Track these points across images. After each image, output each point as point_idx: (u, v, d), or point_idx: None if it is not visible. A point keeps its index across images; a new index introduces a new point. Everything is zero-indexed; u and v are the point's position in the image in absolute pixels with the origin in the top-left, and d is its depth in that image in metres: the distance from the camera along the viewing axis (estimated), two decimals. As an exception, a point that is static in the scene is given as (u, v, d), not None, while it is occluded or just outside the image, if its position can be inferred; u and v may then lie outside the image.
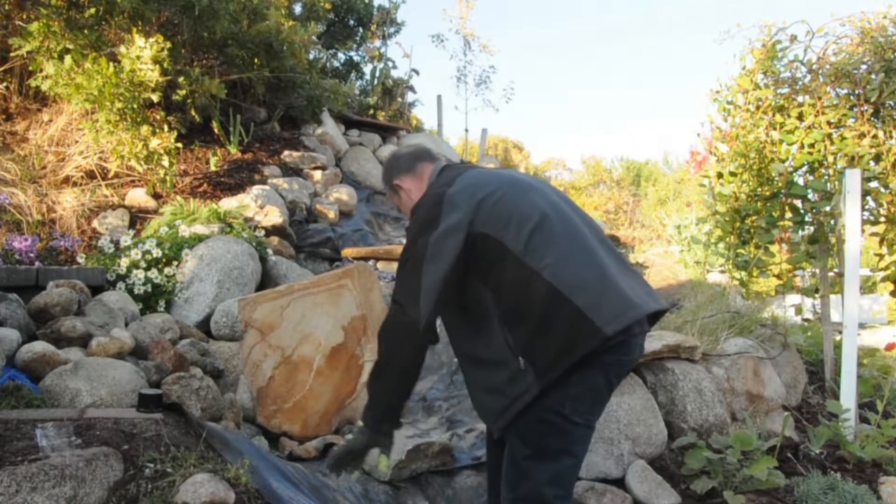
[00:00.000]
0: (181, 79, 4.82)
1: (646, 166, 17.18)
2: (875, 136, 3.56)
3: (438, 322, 1.81)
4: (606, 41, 48.23)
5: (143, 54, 4.28)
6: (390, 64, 8.57)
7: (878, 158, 3.57)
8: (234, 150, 5.45)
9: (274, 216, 4.50)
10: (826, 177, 3.68)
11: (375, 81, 8.38)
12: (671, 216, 7.63)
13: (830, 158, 3.63)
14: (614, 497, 2.60)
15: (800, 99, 3.85)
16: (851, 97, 3.70)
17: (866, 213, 3.76)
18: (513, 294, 1.73)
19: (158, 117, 4.74)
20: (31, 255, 3.51)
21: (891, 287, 3.80)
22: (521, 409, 1.74)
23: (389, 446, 1.91)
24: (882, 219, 3.75)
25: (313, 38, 6.17)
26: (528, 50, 45.40)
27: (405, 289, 1.78)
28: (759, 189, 3.95)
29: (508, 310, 1.74)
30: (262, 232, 4.26)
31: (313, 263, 4.73)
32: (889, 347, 3.99)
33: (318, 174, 5.71)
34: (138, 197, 4.60)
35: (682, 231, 6.75)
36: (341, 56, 8.52)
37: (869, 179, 3.60)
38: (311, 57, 6.70)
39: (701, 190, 4.73)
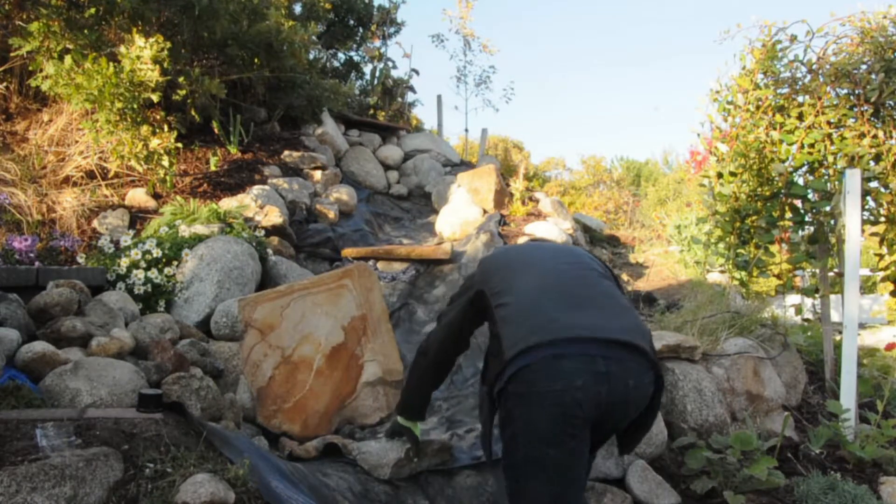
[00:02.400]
0: (181, 79, 4.82)
1: (646, 166, 17.18)
2: (875, 136, 3.56)
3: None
4: (606, 41, 48.23)
5: (143, 54, 4.28)
6: (390, 64, 8.57)
7: (878, 158, 3.57)
8: (234, 150, 5.45)
9: (274, 216, 4.50)
10: (826, 177, 3.68)
11: (375, 81, 8.38)
12: (671, 216, 7.63)
13: (830, 158, 3.63)
14: (614, 497, 2.60)
15: (800, 99, 3.85)
16: (851, 97, 3.70)
17: (866, 213, 3.76)
18: (489, 337, 1.98)
19: (158, 117, 4.74)
20: (31, 255, 3.51)
21: (891, 287, 3.80)
22: (489, 433, 2.04)
23: (412, 436, 2.51)
24: (882, 219, 3.75)
25: (313, 38, 6.17)
26: (528, 50, 45.40)
27: (437, 325, 2.33)
28: (759, 189, 3.95)
29: (488, 346, 2.01)
30: (262, 232, 4.25)
31: (313, 263, 4.73)
32: (889, 347, 3.99)
33: (318, 174, 5.71)
34: (138, 197, 4.60)
35: (682, 231, 6.75)
36: (341, 56, 8.52)
37: (869, 179, 3.60)
38: (311, 57, 6.70)
39: (701, 190, 4.73)
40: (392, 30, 8.84)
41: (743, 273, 4.14)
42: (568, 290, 1.89)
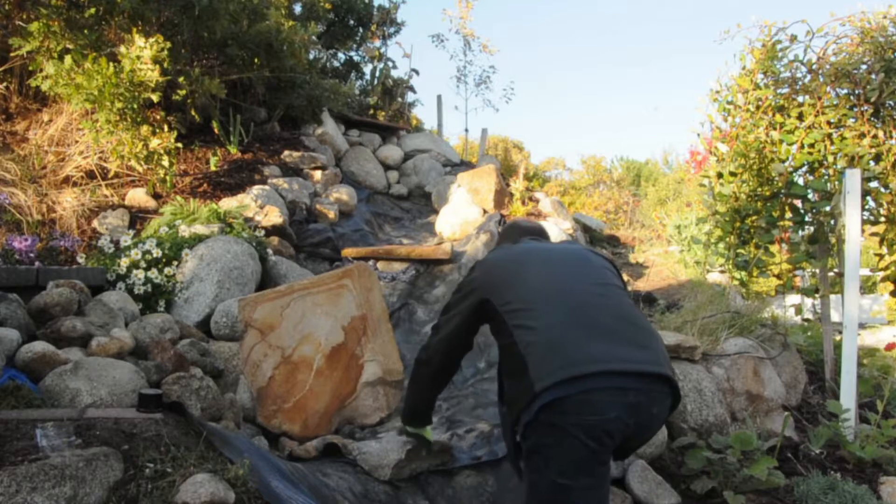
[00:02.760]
0: (181, 79, 4.82)
1: (646, 166, 17.17)
2: (875, 136, 3.56)
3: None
4: (606, 41, 48.22)
5: (143, 54, 4.27)
6: (390, 64, 8.57)
7: (878, 158, 3.57)
8: (234, 150, 5.45)
9: (274, 216, 4.50)
10: (826, 177, 3.68)
11: (375, 81, 8.38)
12: (671, 216, 7.63)
13: (830, 158, 3.62)
14: (614, 497, 2.60)
15: (800, 99, 3.85)
16: (851, 97, 3.70)
17: (866, 213, 3.76)
18: (500, 349, 1.98)
19: (158, 117, 4.74)
20: (31, 255, 3.51)
21: (891, 287, 3.80)
22: (515, 453, 1.97)
23: (423, 440, 2.53)
24: (882, 219, 3.75)
25: (313, 38, 6.16)
26: (528, 50, 45.39)
27: (433, 336, 2.27)
28: (759, 189, 3.95)
29: (500, 361, 2.03)
30: (262, 232, 4.25)
31: (313, 263, 4.73)
32: (889, 347, 3.99)
33: (318, 174, 5.71)
34: (138, 197, 4.60)
35: (682, 231, 6.75)
36: (341, 56, 8.52)
37: (869, 179, 3.60)
38: (311, 57, 6.70)
39: (701, 190, 4.73)
40: (392, 30, 8.84)
41: (743, 273, 4.14)
42: (594, 317, 1.85)
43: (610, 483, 1.90)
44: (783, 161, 3.77)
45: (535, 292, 1.91)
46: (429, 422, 2.55)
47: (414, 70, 8.95)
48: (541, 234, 2.46)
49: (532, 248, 2.18)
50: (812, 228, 3.85)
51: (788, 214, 3.87)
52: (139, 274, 3.41)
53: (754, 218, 3.98)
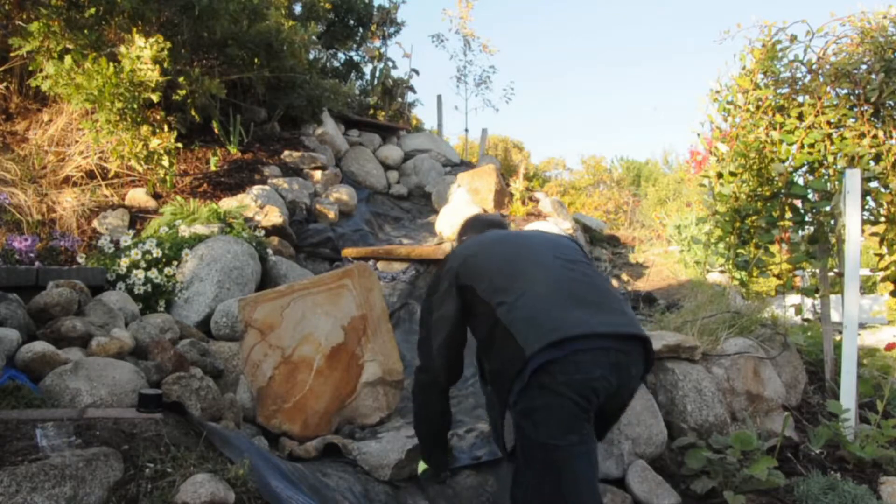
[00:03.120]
0: (181, 79, 4.82)
1: (646, 166, 17.16)
2: (875, 136, 3.56)
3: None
4: (606, 41, 48.25)
5: (143, 54, 4.27)
6: (390, 64, 8.57)
7: (878, 158, 3.57)
8: (234, 150, 5.45)
9: (274, 216, 4.50)
10: (826, 177, 3.68)
11: (375, 81, 8.38)
12: (671, 216, 7.64)
13: (830, 158, 3.62)
14: (614, 497, 2.60)
15: (800, 99, 3.85)
16: (851, 97, 3.69)
17: (866, 213, 3.75)
18: (482, 332, 2.05)
19: (158, 117, 4.74)
20: (31, 255, 3.51)
21: (891, 287, 3.79)
22: (499, 431, 2.08)
23: (447, 465, 2.54)
24: (882, 219, 3.75)
25: (313, 38, 6.17)
26: (528, 50, 45.41)
27: (423, 355, 2.28)
28: (759, 189, 3.95)
29: (480, 342, 2.09)
30: (262, 232, 4.25)
31: (313, 263, 4.73)
32: (889, 347, 3.98)
33: (318, 174, 5.71)
34: (138, 197, 4.60)
35: (682, 231, 6.76)
36: (341, 56, 8.52)
37: (869, 179, 3.60)
38: (311, 57, 6.70)
39: (701, 190, 4.72)
40: (392, 30, 8.84)
41: (743, 273, 4.13)
42: (570, 289, 1.97)
43: (595, 445, 1.96)
44: (783, 161, 3.77)
45: (511, 272, 2.03)
46: (445, 449, 2.56)
47: (414, 70, 8.96)
48: (501, 225, 2.59)
49: (501, 234, 2.35)
50: (812, 228, 3.85)
51: (788, 214, 3.86)
52: (139, 274, 3.41)
53: (754, 218, 3.98)
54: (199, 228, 3.89)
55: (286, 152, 5.74)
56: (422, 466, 2.54)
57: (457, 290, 2.14)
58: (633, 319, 1.99)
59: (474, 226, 2.56)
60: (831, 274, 3.89)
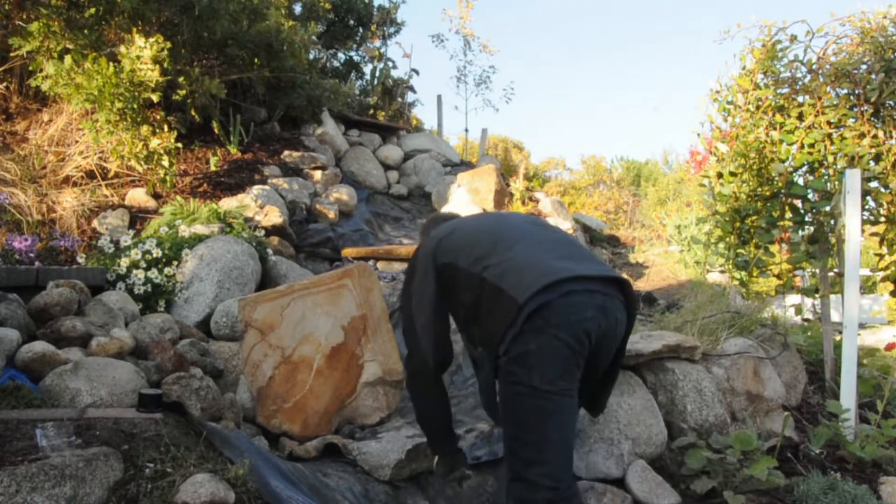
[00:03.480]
0: (181, 79, 4.82)
1: (646, 166, 17.15)
2: (875, 136, 3.56)
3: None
4: (606, 41, 48.26)
5: (143, 54, 4.28)
6: (390, 64, 8.57)
7: (878, 158, 3.57)
8: (234, 150, 5.45)
9: (274, 216, 4.50)
10: (826, 177, 3.68)
11: (375, 81, 8.38)
12: (671, 216, 7.63)
13: (830, 158, 3.62)
14: (614, 497, 2.60)
15: (800, 99, 3.85)
16: (851, 97, 3.69)
17: (866, 213, 3.75)
18: (468, 299, 2.07)
19: (158, 117, 4.74)
20: (31, 255, 3.51)
21: (891, 287, 3.79)
22: (491, 394, 2.15)
23: (461, 458, 2.44)
24: (882, 219, 3.75)
25: (313, 38, 6.17)
26: (528, 50, 45.42)
27: (410, 341, 2.26)
28: (759, 189, 3.95)
29: (468, 313, 2.10)
30: (262, 232, 4.25)
31: (313, 263, 4.73)
32: (889, 347, 3.98)
33: (318, 174, 5.71)
34: (138, 197, 4.60)
35: (682, 231, 6.76)
36: (341, 56, 8.53)
37: (869, 179, 3.60)
38: (311, 57, 6.71)
39: (701, 190, 4.72)
40: (392, 30, 8.84)
41: (743, 273, 4.13)
42: (552, 247, 2.07)
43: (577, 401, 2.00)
44: (783, 161, 3.77)
45: (492, 240, 2.10)
46: (454, 437, 2.47)
47: (414, 70, 8.96)
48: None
49: (476, 214, 2.43)
50: (812, 228, 3.85)
51: (788, 214, 3.86)
52: (139, 274, 3.41)
53: (754, 218, 3.97)
54: (199, 228, 3.89)
55: (286, 152, 5.74)
56: (436, 464, 2.45)
57: (434, 272, 2.17)
58: (611, 268, 2.11)
59: (436, 222, 2.63)
60: (831, 274, 3.88)
